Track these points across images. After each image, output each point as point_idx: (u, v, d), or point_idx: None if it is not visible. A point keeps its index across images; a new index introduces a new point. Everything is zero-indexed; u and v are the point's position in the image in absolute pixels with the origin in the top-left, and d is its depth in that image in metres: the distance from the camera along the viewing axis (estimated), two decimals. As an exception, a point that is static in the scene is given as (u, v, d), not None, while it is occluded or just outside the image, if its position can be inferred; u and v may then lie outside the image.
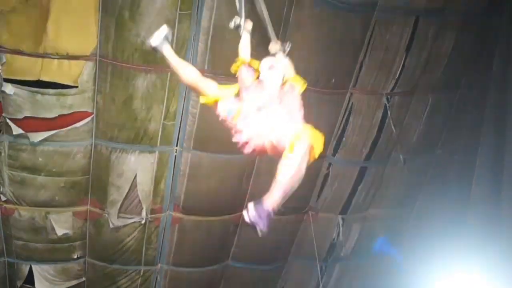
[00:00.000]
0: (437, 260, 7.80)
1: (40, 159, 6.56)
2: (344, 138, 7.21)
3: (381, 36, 6.29)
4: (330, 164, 7.42)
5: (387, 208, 8.07)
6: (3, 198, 6.71)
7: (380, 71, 6.57)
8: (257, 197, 8.17)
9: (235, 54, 6.04)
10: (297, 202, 7.72)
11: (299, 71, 6.32)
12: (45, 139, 6.35)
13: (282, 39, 6.04)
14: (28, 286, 7.71)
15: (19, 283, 7.60)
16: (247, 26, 3.98)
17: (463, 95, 7.22)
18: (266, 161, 7.00)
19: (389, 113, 6.96)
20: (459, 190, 7.65)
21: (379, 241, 8.40)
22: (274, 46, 3.70)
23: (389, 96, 6.84)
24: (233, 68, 3.63)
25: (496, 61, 6.79)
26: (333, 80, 6.53)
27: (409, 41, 6.51)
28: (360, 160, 7.48)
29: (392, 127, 7.02)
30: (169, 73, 6.12)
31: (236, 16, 3.93)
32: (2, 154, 6.37)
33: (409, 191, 7.98)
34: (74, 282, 7.71)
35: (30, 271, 7.50)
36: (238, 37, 5.90)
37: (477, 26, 6.65)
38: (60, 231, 7.20)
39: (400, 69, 6.65)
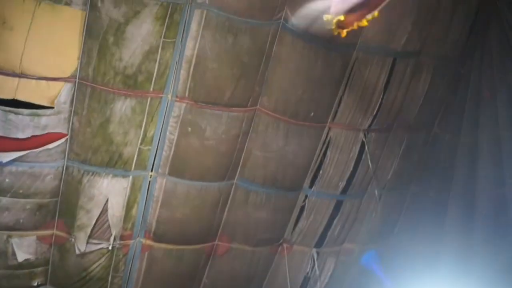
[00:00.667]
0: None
1: (7, 180, 6.55)
2: (321, 171, 7.55)
3: (360, 74, 6.76)
4: (306, 196, 7.71)
5: (362, 244, 8.40)
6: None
7: (358, 108, 7.01)
8: (232, 227, 8.38)
9: (216, 83, 6.40)
10: (272, 234, 7.96)
11: (279, 102, 6.72)
12: (15, 159, 6.40)
13: (264, 70, 6.48)
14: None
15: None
16: None
17: (437, 134, 7.75)
18: (242, 190, 7.28)
19: (366, 148, 7.37)
20: (433, 227, 8.10)
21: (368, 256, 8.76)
22: None
23: (366, 132, 7.27)
24: None
25: (468, 104, 7.36)
26: (312, 114, 6.90)
27: (386, 81, 7.01)
28: (336, 193, 7.81)
29: (369, 162, 7.42)
30: (149, 98, 6.38)
31: None
32: (-33, 173, 6.38)
33: (384, 226, 8.35)
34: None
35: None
36: (219, 67, 6.27)
37: (451, 70, 7.25)
38: (21, 257, 7.12)
39: (377, 106, 7.11)
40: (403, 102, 7.18)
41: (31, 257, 7.19)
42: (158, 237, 7.24)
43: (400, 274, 8.12)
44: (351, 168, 7.56)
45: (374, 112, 7.16)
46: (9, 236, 7.02)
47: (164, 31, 5.99)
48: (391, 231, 8.36)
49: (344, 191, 7.76)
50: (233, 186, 7.17)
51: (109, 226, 7.17)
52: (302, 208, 7.76)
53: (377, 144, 7.44)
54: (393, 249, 8.41)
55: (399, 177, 7.87)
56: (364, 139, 7.27)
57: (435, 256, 7.89)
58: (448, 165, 7.72)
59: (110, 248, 7.27)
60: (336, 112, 7.05)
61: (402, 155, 7.64)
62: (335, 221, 7.96)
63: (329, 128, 7.15)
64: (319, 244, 8.18)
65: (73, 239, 7.15)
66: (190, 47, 6.12)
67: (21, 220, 6.93)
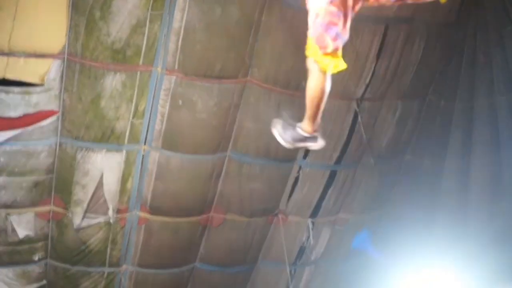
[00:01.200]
0: (407, 258, 8.48)
1: (1, 159, 6.78)
2: (314, 142, 7.77)
3: (352, 43, 6.84)
4: (300, 167, 7.96)
5: (357, 213, 8.71)
6: (-39, 198, 6.96)
7: (351, 77, 7.14)
8: (226, 199, 8.69)
9: (205, 55, 6.54)
10: (267, 204, 8.26)
11: (269, 72, 6.85)
12: (8, 138, 6.60)
13: (253, 42, 6.61)
14: (-16, 290, 8.00)
15: (-26, 289, 7.88)
16: None
17: (432, 102, 7.91)
18: (235, 162, 7.53)
19: (359, 118, 7.56)
20: (428, 194, 8.38)
21: (358, 238, 9.10)
22: None
23: (359, 102, 7.45)
24: None
25: (463, 70, 7.50)
26: (303, 83, 7.05)
27: (379, 49, 7.13)
28: (331, 163, 8.05)
29: (362, 132, 7.63)
30: (138, 72, 6.55)
31: None
32: (-38, 153, 6.64)
33: (379, 194, 8.63)
34: (34, 286, 7.95)
35: (-12, 274, 7.79)
36: (208, 38, 6.39)
37: (445, 36, 7.33)
38: (21, 233, 7.44)
39: (370, 75, 7.25)
40: (396, 69, 7.30)
41: (30, 233, 7.54)
42: (154, 210, 7.54)
43: (396, 240, 8.47)
44: (344, 138, 7.77)
45: (367, 81, 7.30)
46: (8, 214, 7.30)
47: (151, 3, 6.08)
48: (386, 199, 8.64)
49: (338, 161, 7.99)
50: (226, 158, 7.42)
51: (105, 200, 7.45)
52: (296, 179, 8.02)
53: (370, 113, 7.61)
54: (388, 216, 8.72)
55: (393, 145, 8.08)
56: (357, 108, 7.46)
57: (431, 221, 8.19)
58: (443, 131, 7.91)
59: (109, 220, 7.58)
60: (328, 81, 7.21)
61: (396, 123, 7.82)
62: (329, 191, 8.24)
63: (322, 98, 7.32)
64: (314, 214, 8.49)
65: (70, 214, 7.47)
66: (178, 19, 6.23)
67: (18, 198, 7.20)
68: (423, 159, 8.36)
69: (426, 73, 7.54)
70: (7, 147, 6.68)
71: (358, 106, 7.45)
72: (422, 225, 8.40)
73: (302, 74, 6.94)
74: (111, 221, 7.49)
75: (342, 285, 9.34)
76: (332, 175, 8.21)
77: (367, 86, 7.35)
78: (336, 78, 7.21)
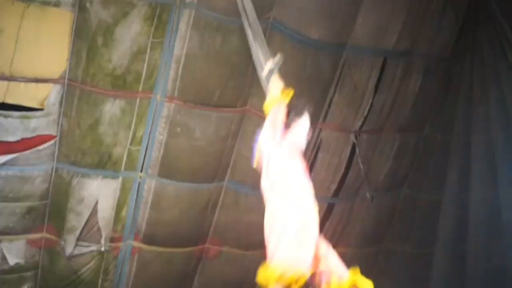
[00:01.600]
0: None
1: (-4, 185, 6.78)
2: (312, 174, 7.72)
3: (350, 75, 6.97)
4: (298, 200, 7.86)
5: (354, 248, 8.53)
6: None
7: (349, 109, 7.21)
8: (222, 230, 8.50)
9: (205, 83, 6.60)
10: (264, 237, 8.10)
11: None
12: (4, 163, 6.57)
13: (253, 71, 6.68)
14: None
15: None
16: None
17: (429, 136, 7.93)
18: (232, 193, 7.46)
19: (357, 150, 7.55)
20: (426, 229, 8.26)
21: None
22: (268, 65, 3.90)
23: (357, 134, 7.47)
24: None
25: (460, 105, 7.57)
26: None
27: (377, 81, 7.22)
28: (328, 196, 7.95)
29: (360, 164, 7.60)
30: (138, 99, 6.59)
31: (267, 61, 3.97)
32: (-44, 178, 6.57)
33: (376, 229, 8.50)
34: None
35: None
36: (208, 67, 6.47)
37: (442, 70, 7.45)
38: (12, 261, 7.27)
39: (368, 107, 7.30)
40: (394, 102, 7.37)
41: (21, 261, 7.35)
42: (148, 239, 7.39)
43: (393, 277, 8.28)
44: (342, 170, 7.74)
45: (365, 113, 7.34)
46: (-1, 241, 7.27)
47: (152, 31, 6.20)
48: (383, 234, 8.51)
49: (336, 193, 7.92)
50: (223, 188, 7.36)
51: (99, 228, 7.33)
52: (293, 211, 7.92)
53: (368, 146, 7.61)
54: (386, 251, 8.55)
55: (391, 178, 8.03)
56: (355, 141, 7.46)
57: (428, 258, 8.03)
58: (441, 166, 7.89)
59: (102, 249, 7.43)
60: (326, 113, 7.26)
61: (394, 156, 7.80)
62: (326, 225, 8.09)
63: (320, 130, 7.34)
64: (311, 247, 8.32)
65: (62, 242, 7.32)
66: (179, 47, 6.32)
67: (11, 224, 7.07)
68: (421, 193, 8.29)
69: (423, 107, 7.59)
70: (3, 172, 6.61)
71: (356, 138, 7.46)
72: (419, 262, 8.25)
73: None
74: (104, 249, 7.34)
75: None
76: (330, 208, 8.11)
77: (365, 118, 7.38)
78: (335, 109, 7.34)
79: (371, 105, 7.29)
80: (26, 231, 7.20)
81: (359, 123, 7.43)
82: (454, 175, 7.81)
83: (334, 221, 8.16)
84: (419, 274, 8.07)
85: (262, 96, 6.91)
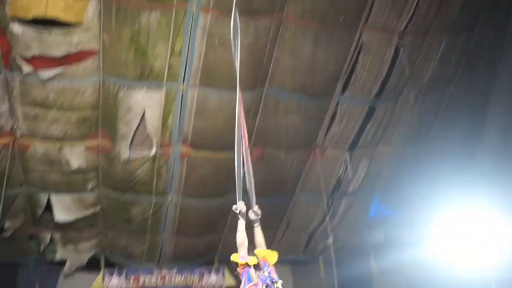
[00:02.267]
0: (446, 194, 8.48)
1: (50, 96, 7.18)
2: (353, 77, 7.59)
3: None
4: (338, 103, 7.89)
5: (396, 146, 8.63)
6: (19, 133, 7.48)
7: (392, 9, 6.77)
8: (264, 134, 8.72)
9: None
10: (304, 139, 8.35)
11: (306, 8, 6.59)
12: (55, 76, 6.93)
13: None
14: (48, 213, 8.68)
15: (39, 212, 8.62)
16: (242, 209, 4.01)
17: (480, 35, 7.38)
18: (272, 98, 7.54)
19: (401, 52, 7.25)
20: (470, 131, 8.11)
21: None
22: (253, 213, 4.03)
23: (401, 35, 7.09)
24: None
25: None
26: (343, 17, 6.78)
27: (424, -24, 6.64)
28: (370, 98, 7.90)
29: (404, 66, 7.34)
30: (174, 10, 6.50)
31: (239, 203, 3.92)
32: (14, 91, 7.02)
33: (419, 129, 8.45)
34: (90, 211, 8.69)
35: (49, 200, 8.44)
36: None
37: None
38: (74, 164, 8.01)
39: (413, 8, 6.82)
40: (441, 3, 6.81)
41: (82, 164, 8.08)
42: (194, 145, 7.82)
43: (436, 175, 8.40)
44: (385, 72, 7.52)
45: (410, 13, 6.90)
46: (61, 147, 7.86)
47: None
48: (427, 133, 8.46)
49: (378, 95, 7.82)
50: (263, 95, 7.45)
51: (148, 136, 7.81)
52: (334, 114, 7.98)
53: (413, 47, 7.26)
54: (428, 150, 8.58)
55: (436, 79, 7.74)
56: (399, 42, 7.13)
57: (471, 157, 8.00)
58: (491, 66, 7.47)
59: (153, 154, 7.96)
60: (368, 14, 6.89)
61: (440, 58, 7.44)
62: (368, 126, 8.15)
63: (361, 32, 7.04)
64: (352, 147, 8.51)
65: (117, 148, 7.92)
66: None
67: (69, 132, 7.67)
68: (467, 94, 7.99)
69: (475, 4, 6.98)
70: (55, 84, 7.02)
71: (400, 39, 7.11)
72: (463, 161, 8.24)
73: (340, 8, 6.72)
74: (154, 154, 7.86)
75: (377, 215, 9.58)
76: (371, 109, 8.08)
77: (410, 18, 6.94)
78: (377, 10, 6.90)
79: (417, 5, 6.79)
80: (83, 137, 7.81)
81: (404, 24, 7.02)
82: (506, 74, 7.39)
83: (375, 122, 8.19)
84: (462, 174, 8.06)
85: (299, 1, 6.67)
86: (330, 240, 9.14)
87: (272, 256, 3.79)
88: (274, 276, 3.63)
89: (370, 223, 9.82)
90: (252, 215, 4.00)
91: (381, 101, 7.93)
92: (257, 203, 9.77)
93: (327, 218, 9.18)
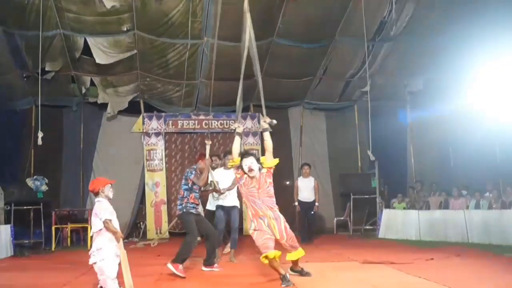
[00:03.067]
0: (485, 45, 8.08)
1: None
2: None
3: None
4: None
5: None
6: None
7: None
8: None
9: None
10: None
11: None
12: None
13: None
14: (87, 57, 8.83)
15: (77, 54, 8.69)
16: (239, 130, 5.12)
17: None
18: None
19: None
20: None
21: None
22: (264, 123, 5.09)
23: None
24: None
25: None
26: None
27: None
28: None
29: None
30: None
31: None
32: None
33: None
34: (127, 54, 8.68)
35: (86, 43, 8.47)
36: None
37: None
38: (108, 3, 7.78)
39: None
40: None
41: (116, 3, 7.85)
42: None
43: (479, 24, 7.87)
44: None
45: None
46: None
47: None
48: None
49: None
50: None
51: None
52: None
53: None
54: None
55: None
56: None
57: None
58: None
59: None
60: None
61: None
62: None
63: None
64: (398, -12, 7.92)
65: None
66: None
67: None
68: None
69: None
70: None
71: None
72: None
73: None
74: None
75: (418, 61, 9.26)
76: None
77: None
78: None
79: None
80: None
81: None
82: None
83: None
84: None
85: None
86: (367, 87, 9.05)
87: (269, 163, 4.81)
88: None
89: (410, 69, 9.58)
90: (264, 124, 5.01)
91: None
92: (297, 47, 9.57)
93: (366, 64, 8.97)
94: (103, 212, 4.11)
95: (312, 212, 8.43)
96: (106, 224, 4.08)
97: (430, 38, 8.67)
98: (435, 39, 8.66)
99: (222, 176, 6.46)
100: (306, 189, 8.44)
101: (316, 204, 8.45)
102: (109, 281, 4.05)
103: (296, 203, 8.47)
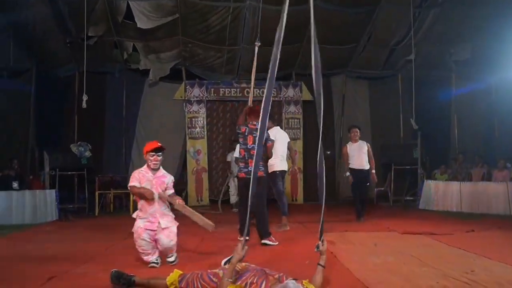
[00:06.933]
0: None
1: None
2: None
3: None
4: None
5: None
6: None
7: None
8: None
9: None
10: None
11: None
12: None
13: None
14: (129, 22, 8.88)
15: (120, 19, 8.73)
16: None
17: None
18: None
19: None
20: None
21: None
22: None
23: None
24: None
25: None
26: None
27: None
28: None
29: None
30: None
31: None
32: None
33: None
34: (169, 18, 8.66)
35: (129, 8, 8.48)
36: None
37: None
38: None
39: None
40: None
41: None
42: None
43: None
44: None
45: None
46: None
47: None
48: None
49: None
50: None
51: None
52: None
53: None
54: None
55: None
56: None
57: None
58: None
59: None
60: None
61: None
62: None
63: None
64: None
65: None
66: None
67: None
68: None
69: None
70: None
71: None
72: None
73: None
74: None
75: (465, 29, 8.95)
76: None
77: None
78: None
79: None
80: None
81: None
82: None
83: None
84: None
85: None
86: (412, 55, 8.82)
87: None
88: None
89: (457, 37, 9.23)
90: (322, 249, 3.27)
91: None
92: (341, 13, 9.31)
93: (412, 31, 8.70)
94: (130, 179, 4.16)
95: (368, 184, 7.28)
96: (130, 190, 4.16)
97: (479, 6, 8.29)
98: (484, 7, 8.27)
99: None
100: (358, 155, 7.08)
101: (373, 171, 7.12)
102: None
103: (348, 173, 7.17)
